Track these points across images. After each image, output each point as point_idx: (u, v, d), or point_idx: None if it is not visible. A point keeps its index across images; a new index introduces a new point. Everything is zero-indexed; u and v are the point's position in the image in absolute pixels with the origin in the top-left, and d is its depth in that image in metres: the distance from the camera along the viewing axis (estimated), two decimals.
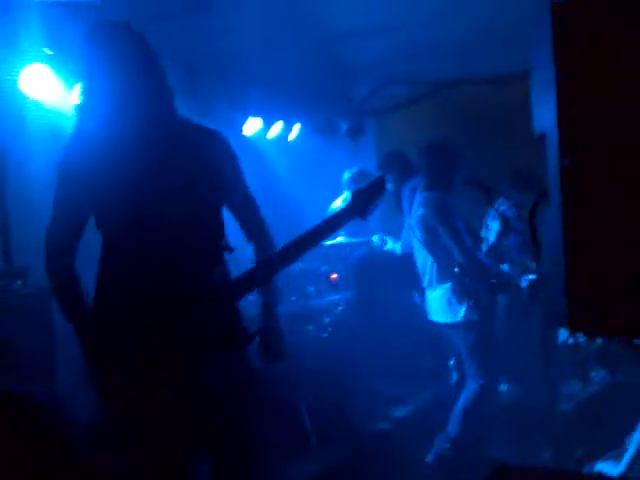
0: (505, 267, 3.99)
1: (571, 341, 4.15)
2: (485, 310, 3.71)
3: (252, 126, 5.18)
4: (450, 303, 3.79)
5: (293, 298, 4.75)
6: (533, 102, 1.29)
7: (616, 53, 1.08)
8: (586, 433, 3.29)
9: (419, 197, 3.90)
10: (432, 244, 3.83)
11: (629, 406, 2.70)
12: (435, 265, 3.87)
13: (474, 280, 3.69)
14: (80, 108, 2.09)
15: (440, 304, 3.86)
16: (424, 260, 3.96)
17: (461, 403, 3.75)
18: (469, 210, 3.98)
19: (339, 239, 5.33)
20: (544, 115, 1.21)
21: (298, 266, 5.07)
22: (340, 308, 4.95)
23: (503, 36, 4.52)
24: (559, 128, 1.13)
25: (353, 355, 4.29)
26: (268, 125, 5.38)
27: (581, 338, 4.07)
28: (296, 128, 5.71)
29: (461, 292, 3.74)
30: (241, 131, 5.08)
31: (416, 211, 3.89)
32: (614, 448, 2.42)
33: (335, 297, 5.02)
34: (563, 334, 4.13)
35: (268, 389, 2.65)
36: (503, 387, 4.67)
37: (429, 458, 3.73)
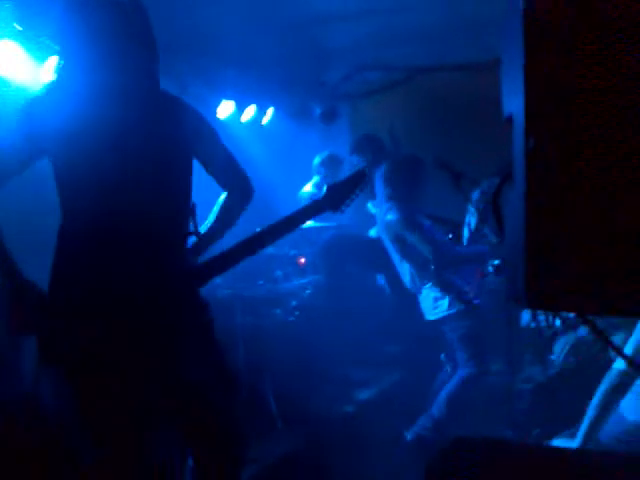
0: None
1: (533, 325, 4.25)
2: (490, 296, 3.93)
3: (226, 109, 5.17)
4: (435, 300, 3.94)
5: (261, 282, 4.76)
6: (502, 87, 1.33)
7: (581, 40, 1.12)
8: (543, 414, 3.40)
9: (384, 206, 4.04)
10: (402, 250, 3.98)
11: (585, 387, 2.79)
12: (412, 268, 4.00)
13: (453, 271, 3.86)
14: (57, 70, 2.06)
15: (427, 303, 4.00)
16: (400, 265, 4.10)
17: (450, 388, 3.87)
18: (439, 194, 4.04)
19: (308, 223, 5.34)
20: (512, 99, 1.25)
21: (266, 250, 5.08)
22: (308, 292, 4.97)
23: (474, 24, 4.57)
24: (525, 111, 1.17)
25: (320, 339, 4.33)
26: (241, 108, 5.37)
27: (542, 322, 4.17)
28: (270, 112, 5.71)
29: (442, 287, 3.88)
30: (215, 113, 5.07)
31: (382, 221, 4.05)
32: (570, 427, 2.51)
33: (303, 281, 5.04)
34: (525, 317, 4.23)
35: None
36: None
37: (409, 437, 3.83)
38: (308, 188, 5.63)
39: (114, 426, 2.01)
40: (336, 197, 2.40)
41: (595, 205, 1.10)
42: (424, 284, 3.98)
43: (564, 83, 1.15)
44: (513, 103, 1.25)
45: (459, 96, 5.72)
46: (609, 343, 2.13)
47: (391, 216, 3.94)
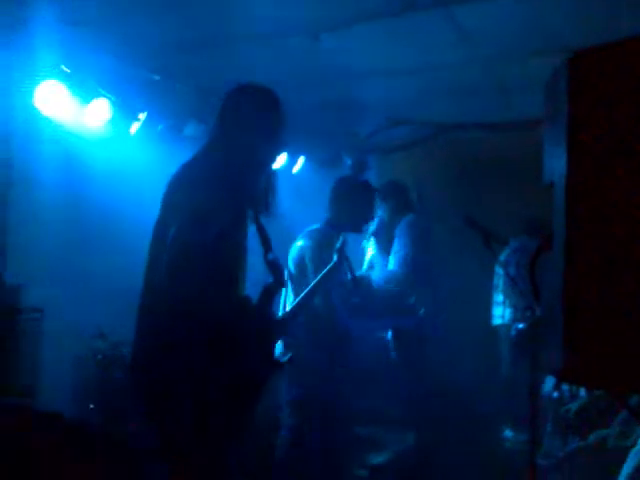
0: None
1: (555, 395, 4.14)
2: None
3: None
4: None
5: None
6: (545, 152, 1.33)
7: (626, 111, 1.12)
8: None
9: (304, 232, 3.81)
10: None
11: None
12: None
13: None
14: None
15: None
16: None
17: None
18: (470, 253, 3.99)
19: None
20: (554, 165, 1.24)
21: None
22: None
23: (504, 85, 4.63)
24: (567, 179, 1.16)
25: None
26: None
27: (566, 392, 4.06)
28: (300, 161, 5.76)
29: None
30: None
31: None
32: None
33: None
34: (548, 385, 4.11)
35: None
36: (508, 433, 4.62)
37: None
38: None
39: None
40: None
41: (637, 283, 1.08)
42: None
43: (605, 154, 1.14)
44: (555, 168, 1.24)
45: (486, 154, 5.76)
46: None
47: (307, 242, 3.67)
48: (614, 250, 1.13)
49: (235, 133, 2.36)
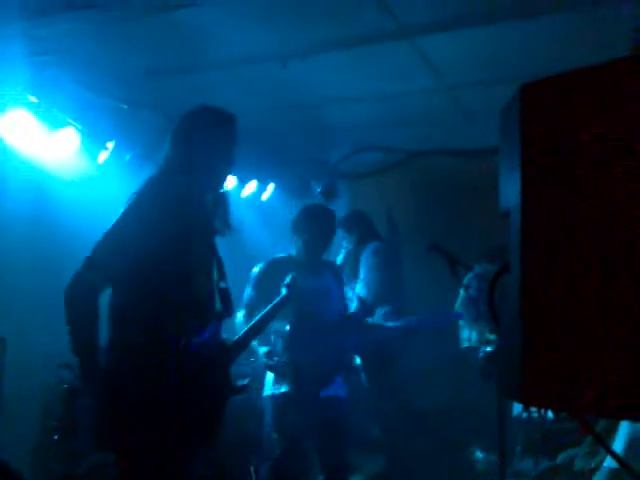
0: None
1: (524, 416, 4.18)
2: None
3: (227, 183, 5.23)
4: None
5: (252, 359, 4.69)
6: (500, 181, 1.36)
7: (575, 138, 1.16)
8: None
9: None
10: None
11: None
12: None
13: None
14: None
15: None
16: None
17: None
18: (433, 277, 4.04)
19: None
20: (509, 194, 1.28)
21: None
22: None
23: (471, 112, 4.73)
24: (522, 209, 1.19)
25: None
26: (242, 183, 5.45)
27: (534, 413, 4.10)
28: (270, 188, 5.79)
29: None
30: None
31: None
32: None
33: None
34: (517, 408, 4.15)
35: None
36: (479, 454, 4.65)
37: None
38: None
39: None
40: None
41: (592, 309, 1.11)
42: None
43: (563, 180, 1.17)
44: (510, 199, 1.28)
45: (455, 181, 5.84)
46: (602, 443, 2.09)
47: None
48: (570, 275, 1.16)
49: (185, 153, 2.40)
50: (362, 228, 4.92)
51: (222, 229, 2.47)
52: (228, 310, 2.49)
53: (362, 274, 4.63)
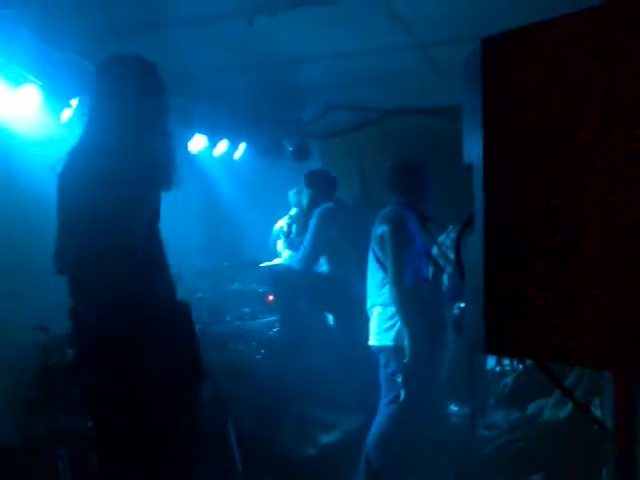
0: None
1: (497, 369, 4.27)
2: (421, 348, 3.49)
3: (198, 143, 5.18)
4: (379, 325, 3.65)
5: (228, 318, 4.73)
6: (464, 134, 1.37)
7: (533, 90, 1.16)
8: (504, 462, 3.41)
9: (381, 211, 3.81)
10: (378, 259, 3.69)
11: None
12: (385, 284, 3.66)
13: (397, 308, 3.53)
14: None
15: (373, 325, 3.72)
16: (374, 277, 3.76)
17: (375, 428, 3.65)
18: None
19: (277, 260, 5.35)
20: (472, 147, 1.28)
21: (234, 286, 5.05)
22: (274, 330, 4.94)
23: (443, 69, 4.70)
24: (484, 160, 1.20)
25: (283, 378, 4.26)
26: (214, 143, 5.39)
27: (507, 366, 4.19)
28: (241, 147, 5.74)
29: (390, 315, 3.58)
30: (187, 147, 5.08)
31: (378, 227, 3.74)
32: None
33: (271, 318, 5.00)
34: (490, 361, 4.24)
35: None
36: (453, 407, 4.75)
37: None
38: (282, 223, 5.65)
39: None
40: None
41: (550, 256, 1.12)
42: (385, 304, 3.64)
43: (521, 132, 1.18)
44: (472, 150, 1.28)
45: (428, 139, 5.82)
46: (563, 389, 2.15)
47: (384, 224, 3.67)
48: (531, 226, 1.17)
49: (114, 107, 2.31)
50: (318, 188, 4.94)
51: (165, 184, 2.38)
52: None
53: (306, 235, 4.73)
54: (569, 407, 3.55)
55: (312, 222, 4.71)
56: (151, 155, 2.32)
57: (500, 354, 2.53)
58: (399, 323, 3.53)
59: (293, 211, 5.53)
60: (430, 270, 3.79)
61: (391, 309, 3.57)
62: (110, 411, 2.21)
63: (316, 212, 4.74)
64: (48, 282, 3.53)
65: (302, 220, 5.09)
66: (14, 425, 3.60)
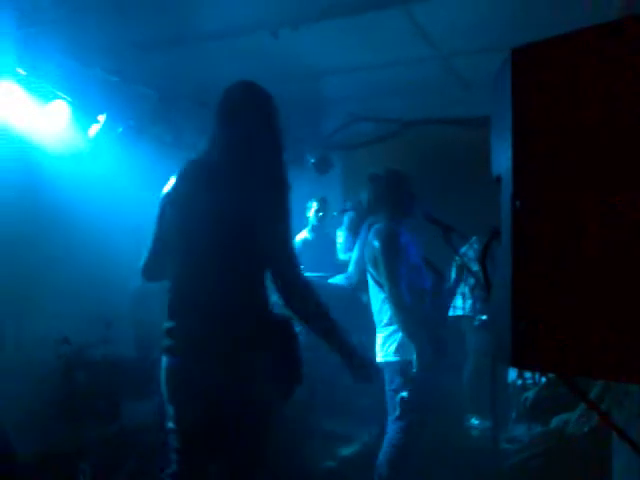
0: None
1: (519, 383, 4.22)
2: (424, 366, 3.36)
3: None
4: (383, 342, 3.53)
5: None
6: (492, 146, 1.36)
7: (570, 100, 1.15)
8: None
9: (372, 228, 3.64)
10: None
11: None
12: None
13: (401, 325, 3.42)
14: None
15: (378, 342, 3.58)
16: (376, 297, 3.64)
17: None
18: (429, 247, 4.03)
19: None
20: (501, 159, 1.27)
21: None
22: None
23: (466, 80, 4.69)
24: (513, 172, 1.19)
25: (302, 390, 4.22)
26: None
27: (529, 379, 4.14)
28: None
29: (393, 332, 3.46)
30: None
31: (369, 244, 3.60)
32: None
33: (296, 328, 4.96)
34: (512, 374, 4.19)
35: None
36: (475, 421, 4.71)
37: None
38: (304, 235, 5.65)
39: None
40: None
41: (582, 275, 1.11)
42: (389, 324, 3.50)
43: (551, 145, 1.17)
44: (501, 162, 1.28)
45: (451, 150, 5.81)
46: (589, 402, 2.12)
47: (376, 241, 3.51)
48: (561, 241, 1.16)
49: (244, 130, 2.38)
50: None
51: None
52: None
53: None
54: (593, 422, 3.50)
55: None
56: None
57: (527, 368, 2.50)
58: (401, 338, 3.45)
59: None
60: (430, 280, 3.70)
61: (393, 326, 3.51)
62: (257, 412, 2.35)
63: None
64: (71, 294, 3.59)
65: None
66: (37, 439, 3.63)
